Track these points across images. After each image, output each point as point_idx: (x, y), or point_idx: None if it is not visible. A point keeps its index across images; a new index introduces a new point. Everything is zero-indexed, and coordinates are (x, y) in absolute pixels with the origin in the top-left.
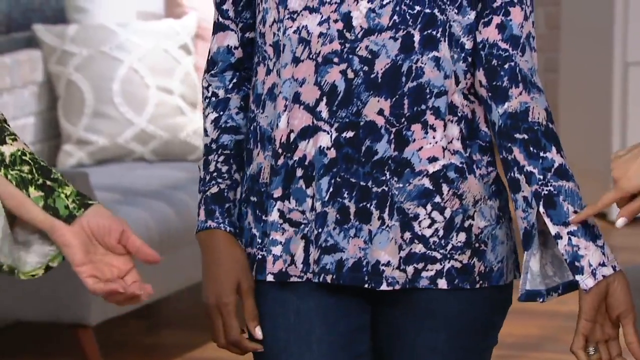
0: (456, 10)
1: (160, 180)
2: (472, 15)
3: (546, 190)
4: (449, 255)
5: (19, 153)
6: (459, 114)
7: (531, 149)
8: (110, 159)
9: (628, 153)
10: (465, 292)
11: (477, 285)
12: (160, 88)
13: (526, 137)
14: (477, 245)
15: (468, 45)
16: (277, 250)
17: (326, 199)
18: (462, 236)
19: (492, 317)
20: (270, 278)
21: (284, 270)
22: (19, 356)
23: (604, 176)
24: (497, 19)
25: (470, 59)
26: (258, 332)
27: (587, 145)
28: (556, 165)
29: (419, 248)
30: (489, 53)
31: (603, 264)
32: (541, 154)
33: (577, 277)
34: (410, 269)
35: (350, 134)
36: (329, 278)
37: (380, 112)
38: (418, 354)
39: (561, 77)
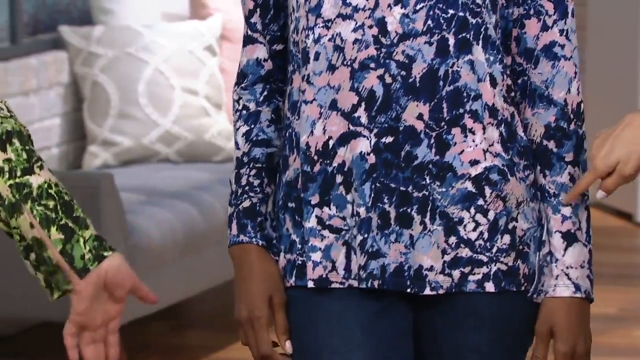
0: (491, 12)
1: (185, 181)
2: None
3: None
4: (494, 258)
5: (46, 185)
6: (499, 117)
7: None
8: (135, 160)
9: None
10: (509, 294)
11: (522, 288)
12: (185, 89)
13: (523, 150)
14: (520, 247)
15: (502, 47)
16: (316, 256)
17: (369, 204)
18: (507, 238)
19: (533, 319)
20: (310, 284)
21: (324, 276)
22: (44, 357)
23: None
24: (514, 32)
25: (506, 61)
26: (288, 347)
27: None
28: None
29: (465, 252)
30: (510, 65)
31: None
32: (526, 172)
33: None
34: (456, 273)
35: (389, 139)
36: (376, 283)
37: (420, 117)
38: (461, 356)
39: (587, 77)
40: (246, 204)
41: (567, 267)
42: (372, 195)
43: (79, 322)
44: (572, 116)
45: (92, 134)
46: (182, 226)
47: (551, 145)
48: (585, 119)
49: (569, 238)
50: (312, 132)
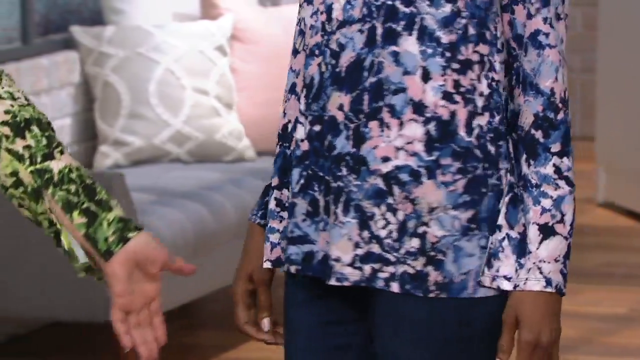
0: (428, 3)
1: (196, 181)
2: (447, 8)
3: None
4: (402, 260)
5: (67, 170)
6: (427, 114)
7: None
8: (146, 160)
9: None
10: (429, 300)
11: (432, 295)
12: (196, 89)
13: (514, 137)
14: (432, 253)
15: (445, 39)
16: (274, 237)
17: (296, 190)
18: (416, 242)
19: (460, 329)
20: (267, 265)
21: (281, 258)
22: (55, 356)
23: None
24: (506, 17)
25: (450, 54)
26: (265, 323)
27: (624, 145)
28: (520, 173)
29: (375, 248)
30: (507, 49)
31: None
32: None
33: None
34: (367, 268)
35: (317, 127)
36: (292, 268)
37: (340, 108)
38: (386, 356)
39: (598, 77)
40: (271, 182)
41: (540, 261)
42: (301, 181)
43: (122, 306)
44: (559, 105)
45: (103, 134)
46: (193, 226)
47: (538, 135)
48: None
49: (546, 231)
50: (283, 114)
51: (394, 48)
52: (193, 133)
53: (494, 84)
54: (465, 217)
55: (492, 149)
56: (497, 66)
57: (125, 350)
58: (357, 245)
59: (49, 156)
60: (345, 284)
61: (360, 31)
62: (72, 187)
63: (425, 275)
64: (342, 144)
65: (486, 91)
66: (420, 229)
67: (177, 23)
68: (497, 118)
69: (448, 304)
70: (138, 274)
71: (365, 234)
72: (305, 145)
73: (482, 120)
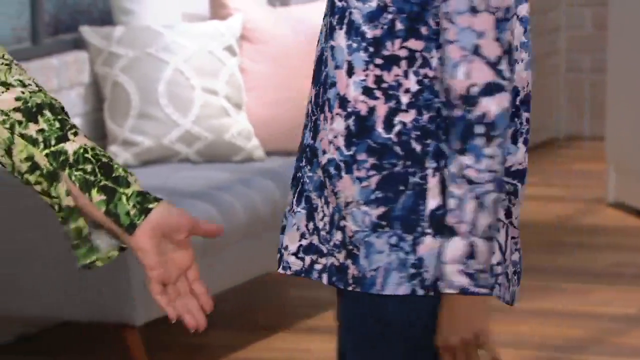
0: None
1: (205, 181)
2: (373, 3)
3: None
4: (330, 252)
5: (81, 150)
6: (349, 109)
7: None
8: (155, 160)
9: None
10: (351, 294)
11: (350, 288)
12: (206, 89)
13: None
14: (350, 247)
15: (370, 34)
16: None
17: (290, 182)
18: (339, 235)
19: (377, 326)
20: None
21: None
22: (66, 356)
23: None
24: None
25: (374, 49)
26: None
27: (634, 144)
28: None
29: (315, 240)
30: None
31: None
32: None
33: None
34: (307, 259)
35: (305, 120)
36: (277, 257)
37: (310, 100)
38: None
39: (608, 77)
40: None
41: (441, 263)
42: (293, 173)
43: (157, 278)
44: (455, 102)
45: (112, 134)
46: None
47: (442, 134)
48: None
49: (448, 232)
50: None
51: (331, 42)
52: (202, 133)
53: (426, 80)
54: (375, 214)
55: (417, 147)
56: (434, 62)
57: (172, 321)
58: (302, 236)
59: (62, 138)
60: (288, 272)
61: (325, 25)
62: (88, 167)
63: (346, 269)
64: (306, 136)
65: (414, 88)
66: (342, 223)
67: (186, 23)
68: (426, 116)
69: (364, 299)
70: (166, 244)
71: (311, 225)
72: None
73: (406, 118)
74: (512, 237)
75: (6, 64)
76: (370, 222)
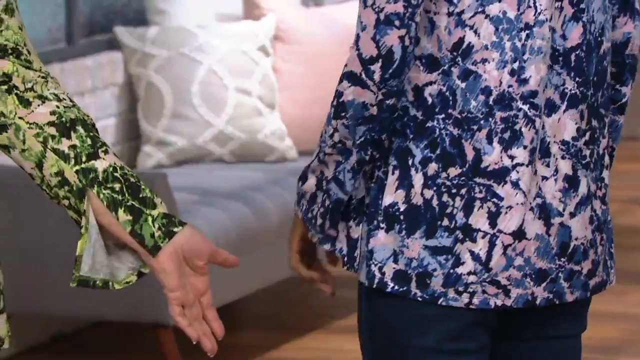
0: None
1: (238, 181)
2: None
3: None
4: None
5: (111, 169)
6: None
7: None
8: (189, 160)
9: None
10: None
11: (346, 267)
12: (239, 89)
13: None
14: (349, 229)
15: None
16: None
17: None
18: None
19: (360, 305)
20: None
21: None
22: (100, 355)
23: None
24: None
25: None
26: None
27: None
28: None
29: None
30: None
31: None
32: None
33: None
34: None
35: None
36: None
37: None
38: None
39: None
40: None
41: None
42: None
43: (178, 300)
44: None
45: (146, 134)
46: (235, 226)
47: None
48: None
49: None
50: None
51: None
52: (235, 133)
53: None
54: (366, 202)
55: (386, 142)
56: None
57: (194, 342)
58: None
59: (93, 156)
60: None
61: None
62: (117, 186)
63: (341, 249)
64: None
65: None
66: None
67: (220, 23)
68: (393, 114)
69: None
70: (187, 270)
71: None
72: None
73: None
74: (508, 245)
75: (42, 77)
76: (362, 209)
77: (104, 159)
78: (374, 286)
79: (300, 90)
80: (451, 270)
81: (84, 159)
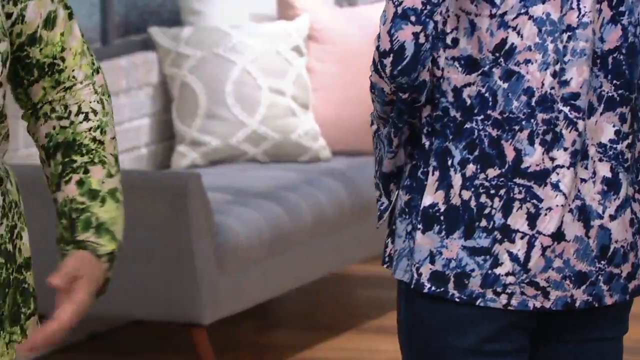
0: None
1: (272, 181)
2: None
3: None
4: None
5: (63, 203)
6: None
7: None
8: (222, 160)
9: None
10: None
11: (385, 266)
12: (273, 89)
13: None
14: (394, 227)
15: None
16: None
17: None
18: (393, 211)
19: (399, 304)
20: None
21: None
22: (135, 354)
23: None
24: None
25: None
26: None
27: None
28: None
29: None
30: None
31: None
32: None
33: None
34: None
35: None
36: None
37: None
38: None
39: None
40: None
41: None
42: None
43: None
44: None
45: (180, 134)
46: (268, 226)
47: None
48: None
49: None
50: None
51: None
52: (269, 133)
53: (434, 79)
54: (404, 200)
55: (426, 142)
56: (441, 62)
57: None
58: None
59: (58, 186)
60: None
61: None
62: (64, 222)
63: (385, 247)
64: None
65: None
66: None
67: (254, 24)
68: (434, 114)
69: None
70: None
71: None
72: None
73: (424, 112)
74: (547, 246)
75: (67, 88)
76: (400, 206)
77: (63, 190)
78: (412, 287)
79: (334, 90)
80: (489, 271)
81: (54, 188)
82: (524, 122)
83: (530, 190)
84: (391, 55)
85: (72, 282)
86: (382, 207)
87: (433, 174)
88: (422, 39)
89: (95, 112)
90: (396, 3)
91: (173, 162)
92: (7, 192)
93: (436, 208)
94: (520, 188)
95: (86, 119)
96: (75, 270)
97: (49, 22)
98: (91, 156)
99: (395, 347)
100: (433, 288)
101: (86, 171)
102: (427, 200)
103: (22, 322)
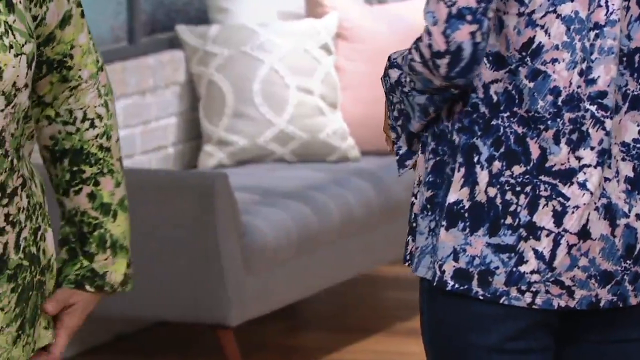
0: None
1: (300, 181)
2: None
3: None
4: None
5: (73, 212)
6: None
7: None
8: (250, 159)
9: None
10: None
11: (406, 263)
12: (301, 88)
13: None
14: (414, 224)
15: None
16: None
17: None
18: (413, 207)
19: (421, 303)
20: None
21: None
22: (161, 355)
23: None
24: None
25: None
26: None
27: None
28: None
29: None
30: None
31: None
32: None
33: None
34: None
35: None
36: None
37: None
38: None
39: None
40: None
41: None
42: None
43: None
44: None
45: (207, 133)
46: (296, 226)
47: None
48: None
49: None
50: None
51: None
52: (297, 132)
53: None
54: (426, 196)
55: (456, 138)
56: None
57: None
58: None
59: (65, 192)
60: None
61: None
62: (72, 229)
63: (406, 244)
64: None
65: None
66: (412, 199)
67: (281, 22)
68: (465, 110)
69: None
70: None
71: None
72: None
73: (457, 108)
74: (573, 245)
75: (73, 87)
76: (422, 203)
77: (71, 199)
78: (435, 284)
79: (363, 89)
80: (514, 269)
81: (60, 191)
82: (549, 122)
83: (556, 189)
84: (447, 56)
85: (65, 309)
86: (400, 152)
87: (459, 171)
88: (478, 38)
89: (100, 118)
90: (449, 3)
91: (200, 161)
92: (31, 194)
93: (461, 205)
94: (546, 185)
95: (92, 125)
96: (71, 299)
97: (65, 21)
98: (100, 166)
99: (424, 350)
100: (456, 286)
101: (96, 183)
102: (452, 197)
103: (38, 326)
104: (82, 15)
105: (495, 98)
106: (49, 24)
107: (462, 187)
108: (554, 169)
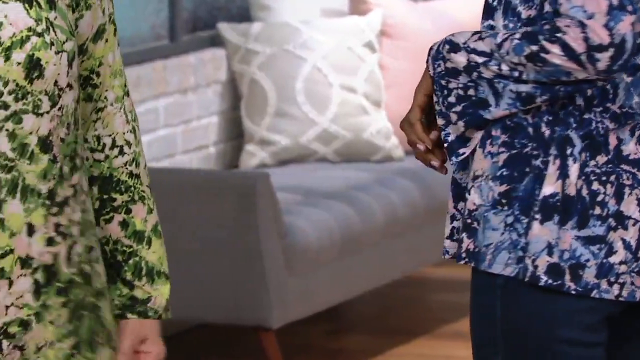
0: None
1: (343, 181)
2: None
3: None
4: (456, 220)
5: (104, 240)
6: None
7: None
8: (292, 159)
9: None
10: (474, 269)
11: (463, 262)
12: (344, 87)
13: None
14: (469, 220)
15: (524, 14)
16: None
17: None
18: (462, 205)
19: (473, 297)
20: None
21: None
22: (203, 358)
23: None
24: None
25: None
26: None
27: None
28: None
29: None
30: None
31: None
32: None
33: None
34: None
35: None
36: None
37: None
38: None
39: None
40: None
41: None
42: None
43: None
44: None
45: (249, 132)
46: (339, 227)
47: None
48: None
49: None
50: None
51: (490, 22)
52: (340, 132)
53: None
54: (498, 190)
55: (546, 131)
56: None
57: None
58: (453, 218)
59: (96, 220)
60: (446, 257)
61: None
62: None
63: (459, 241)
64: None
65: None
66: (466, 195)
67: (324, 19)
68: (559, 102)
69: (478, 275)
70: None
71: (460, 205)
72: None
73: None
74: None
75: (99, 110)
76: (492, 198)
77: (102, 227)
78: (526, 279)
79: (407, 87)
80: (604, 260)
81: (92, 220)
82: (637, 116)
83: (636, 177)
84: (610, 49)
85: (138, 351)
86: (449, 139)
87: (554, 163)
88: (638, 27)
89: (129, 144)
90: None
91: (242, 161)
92: (86, 210)
93: (557, 198)
94: (628, 174)
95: (121, 152)
96: (135, 340)
97: (98, 35)
98: (130, 194)
99: (471, 353)
100: (550, 281)
101: (128, 211)
102: (547, 190)
103: (95, 353)
104: (115, 33)
105: (589, 92)
106: (81, 33)
107: (557, 179)
108: (630, 158)
